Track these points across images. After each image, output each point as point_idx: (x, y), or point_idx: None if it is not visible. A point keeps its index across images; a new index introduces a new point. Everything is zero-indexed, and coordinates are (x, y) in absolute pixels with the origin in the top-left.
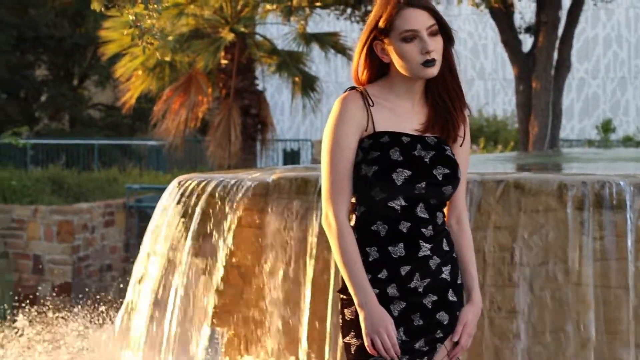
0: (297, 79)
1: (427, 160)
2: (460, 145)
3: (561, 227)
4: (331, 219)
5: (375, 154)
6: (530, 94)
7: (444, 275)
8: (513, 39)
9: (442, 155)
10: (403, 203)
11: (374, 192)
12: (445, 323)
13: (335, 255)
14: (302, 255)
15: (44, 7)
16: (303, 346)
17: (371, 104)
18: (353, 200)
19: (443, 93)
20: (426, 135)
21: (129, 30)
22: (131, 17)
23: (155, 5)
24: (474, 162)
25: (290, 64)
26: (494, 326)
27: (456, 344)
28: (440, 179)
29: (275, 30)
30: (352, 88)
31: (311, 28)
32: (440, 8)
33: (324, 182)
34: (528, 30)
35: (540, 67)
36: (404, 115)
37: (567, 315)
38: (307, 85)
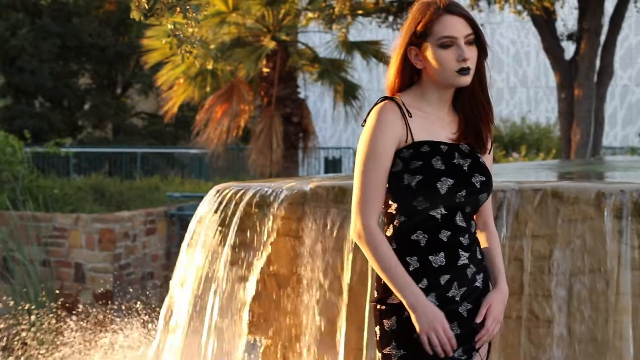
0: (338, 87)
1: (465, 168)
2: (488, 153)
3: (599, 235)
4: (360, 229)
5: (418, 163)
6: (572, 102)
7: (477, 284)
8: (555, 46)
9: (477, 163)
10: (443, 212)
11: (417, 202)
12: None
13: (373, 264)
14: (339, 264)
15: (88, 16)
16: (340, 355)
17: (410, 115)
18: (392, 210)
19: (472, 105)
20: (460, 143)
21: (167, 39)
22: (170, 26)
23: (194, 14)
24: (514, 170)
25: (331, 72)
26: (531, 335)
27: (481, 326)
28: (478, 186)
29: (318, 38)
30: (386, 98)
31: (353, 36)
32: (482, 15)
33: (356, 192)
34: (570, 37)
35: (583, 75)
36: (437, 123)
37: (605, 324)
38: (349, 93)
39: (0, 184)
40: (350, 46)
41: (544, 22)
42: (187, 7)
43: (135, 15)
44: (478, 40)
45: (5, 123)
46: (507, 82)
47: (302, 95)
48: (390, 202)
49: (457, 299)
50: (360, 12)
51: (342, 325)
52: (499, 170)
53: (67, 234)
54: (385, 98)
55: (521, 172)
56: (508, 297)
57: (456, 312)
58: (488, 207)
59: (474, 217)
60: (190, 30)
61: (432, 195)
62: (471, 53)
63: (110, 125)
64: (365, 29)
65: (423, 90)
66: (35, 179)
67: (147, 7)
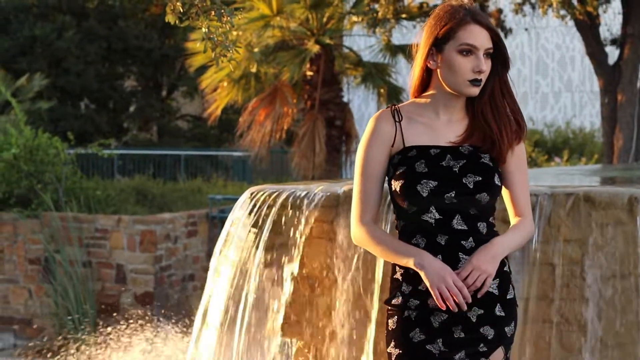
0: (382, 90)
1: (456, 169)
2: (504, 162)
3: (631, 240)
4: (354, 228)
5: (402, 168)
6: (615, 107)
7: (490, 289)
8: (599, 51)
9: (476, 163)
10: (437, 216)
11: (406, 207)
12: (490, 338)
13: (377, 253)
14: (371, 267)
15: (134, 18)
16: (370, 357)
17: (398, 119)
18: (395, 216)
19: (494, 115)
20: (461, 145)
21: (201, 42)
22: (204, 30)
23: (229, 18)
24: (551, 175)
25: (375, 75)
26: (562, 339)
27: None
28: (471, 187)
29: (363, 42)
30: (388, 106)
31: (398, 39)
32: (527, 19)
33: (353, 199)
34: (614, 42)
35: (626, 80)
36: (440, 128)
37: (636, 329)
38: (393, 96)
39: (43, 185)
40: (394, 49)
41: (588, 27)
42: (222, 10)
43: (170, 18)
44: (499, 54)
45: (50, 125)
46: (552, 86)
47: (345, 99)
48: (393, 209)
49: None
50: (404, 15)
51: (372, 326)
52: (536, 175)
53: (109, 235)
54: (387, 107)
55: (552, 176)
56: (539, 301)
57: (463, 317)
58: (521, 203)
59: (490, 220)
60: (235, 33)
61: (415, 199)
62: (487, 66)
63: (155, 127)
64: (409, 33)
65: (431, 93)
66: (78, 180)
67: (182, 10)
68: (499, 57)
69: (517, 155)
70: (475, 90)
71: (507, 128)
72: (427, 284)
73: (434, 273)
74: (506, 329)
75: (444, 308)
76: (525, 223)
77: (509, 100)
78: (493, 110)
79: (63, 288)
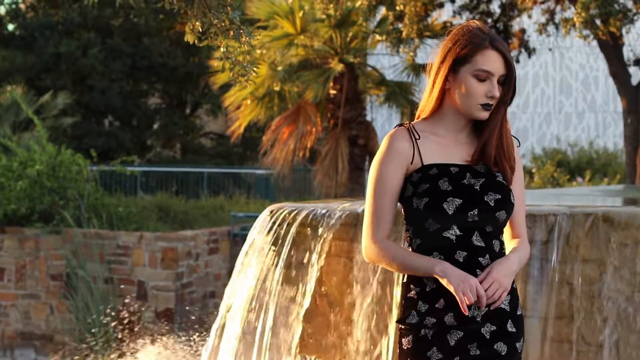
0: (405, 109)
1: (477, 187)
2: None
3: None
4: (366, 246)
5: (425, 186)
6: (638, 127)
7: (502, 305)
8: (622, 71)
9: (494, 181)
10: (458, 232)
11: (428, 224)
12: (503, 354)
13: (394, 269)
14: (390, 285)
15: (158, 36)
16: None
17: (417, 137)
18: (410, 234)
19: (501, 145)
20: (475, 164)
21: (218, 62)
22: (222, 49)
23: (248, 38)
24: (572, 194)
25: (399, 94)
26: None
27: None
28: (492, 205)
29: (387, 60)
30: (400, 125)
31: (422, 58)
32: (551, 39)
33: (365, 217)
34: (637, 63)
35: None
36: (453, 147)
37: None
38: (416, 115)
39: (65, 201)
40: (418, 68)
41: (611, 48)
42: (241, 30)
43: (189, 38)
44: (510, 81)
45: (74, 141)
46: (576, 106)
47: (368, 118)
48: (407, 227)
49: (478, 319)
50: (427, 34)
51: (390, 344)
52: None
53: (131, 252)
54: (399, 125)
55: (565, 196)
56: (558, 321)
57: (478, 333)
58: (520, 225)
59: (501, 237)
60: (258, 52)
61: (441, 216)
62: (499, 92)
63: (178, 144)
64: (433, 52)
65: (443, 113)
66: (100, 197)
67: (201, 30)
68: (509, 84)
69: (518, 177)
70: (485, 115)
71: (512, 150)
72: (452, 289)
73: (458, 279)
74: (517, 344)
75: (467, 313)
76: (525, 245)
77: (503, 137)
78: (501, 133)
79: (84, 304)
